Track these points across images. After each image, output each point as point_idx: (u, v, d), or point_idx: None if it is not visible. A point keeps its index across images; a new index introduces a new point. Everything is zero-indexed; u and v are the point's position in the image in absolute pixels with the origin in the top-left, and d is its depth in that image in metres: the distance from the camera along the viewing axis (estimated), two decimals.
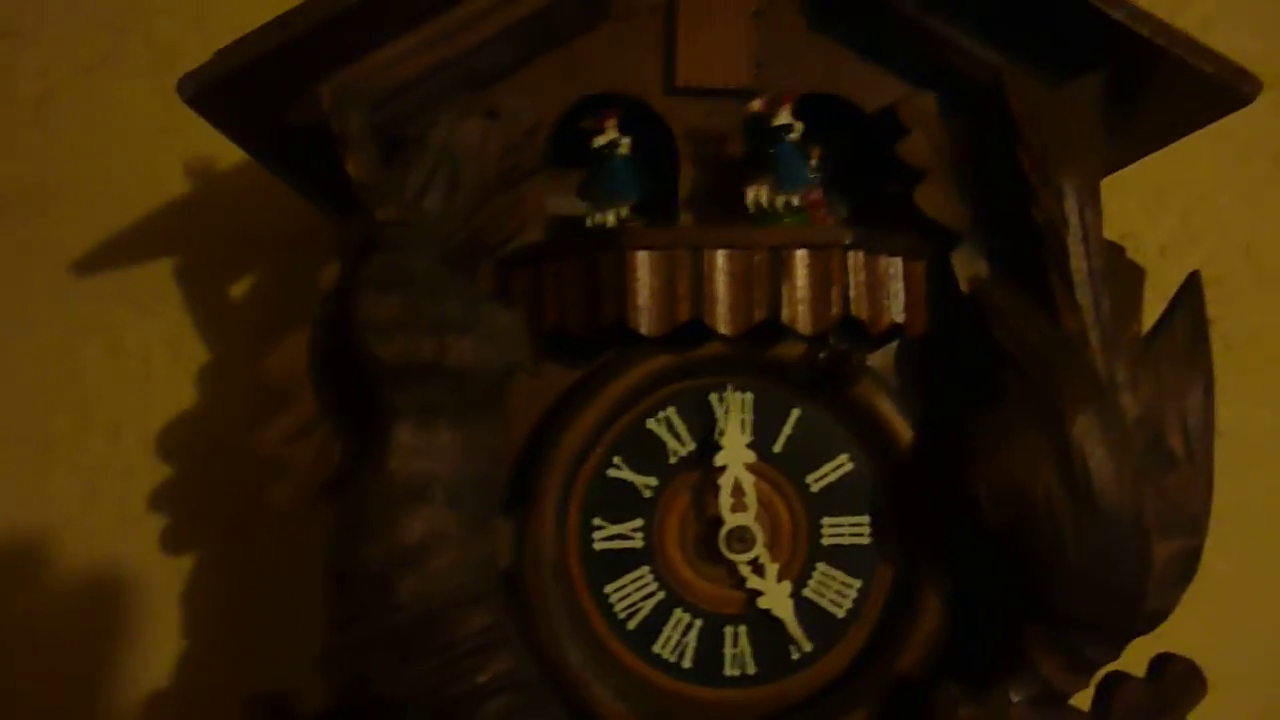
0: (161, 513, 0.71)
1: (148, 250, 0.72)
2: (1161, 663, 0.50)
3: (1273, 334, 0.73)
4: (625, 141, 0.51)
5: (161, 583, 0.70)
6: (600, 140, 0.51)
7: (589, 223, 0.51)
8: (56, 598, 0.70)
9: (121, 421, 0.71)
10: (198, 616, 0.70)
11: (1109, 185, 0.73)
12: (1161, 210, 0.74)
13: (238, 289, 0.73)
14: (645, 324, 0.47)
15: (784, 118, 0.49)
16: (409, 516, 0.45)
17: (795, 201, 0.49)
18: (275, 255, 0.72)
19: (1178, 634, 0.70)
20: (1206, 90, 0.48)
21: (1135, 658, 0.50)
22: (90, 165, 0.72)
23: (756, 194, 0.49)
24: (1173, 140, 0.55)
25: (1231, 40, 0.73)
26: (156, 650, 0.70)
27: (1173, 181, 0.74)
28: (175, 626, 0.70)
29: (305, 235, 0.70)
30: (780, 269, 0.47)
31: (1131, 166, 0.73)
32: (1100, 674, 0.49)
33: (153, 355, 0.72)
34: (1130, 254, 0.73)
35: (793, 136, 0.49)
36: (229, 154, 0.67)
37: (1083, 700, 0.49)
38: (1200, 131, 0.69)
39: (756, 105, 0.49)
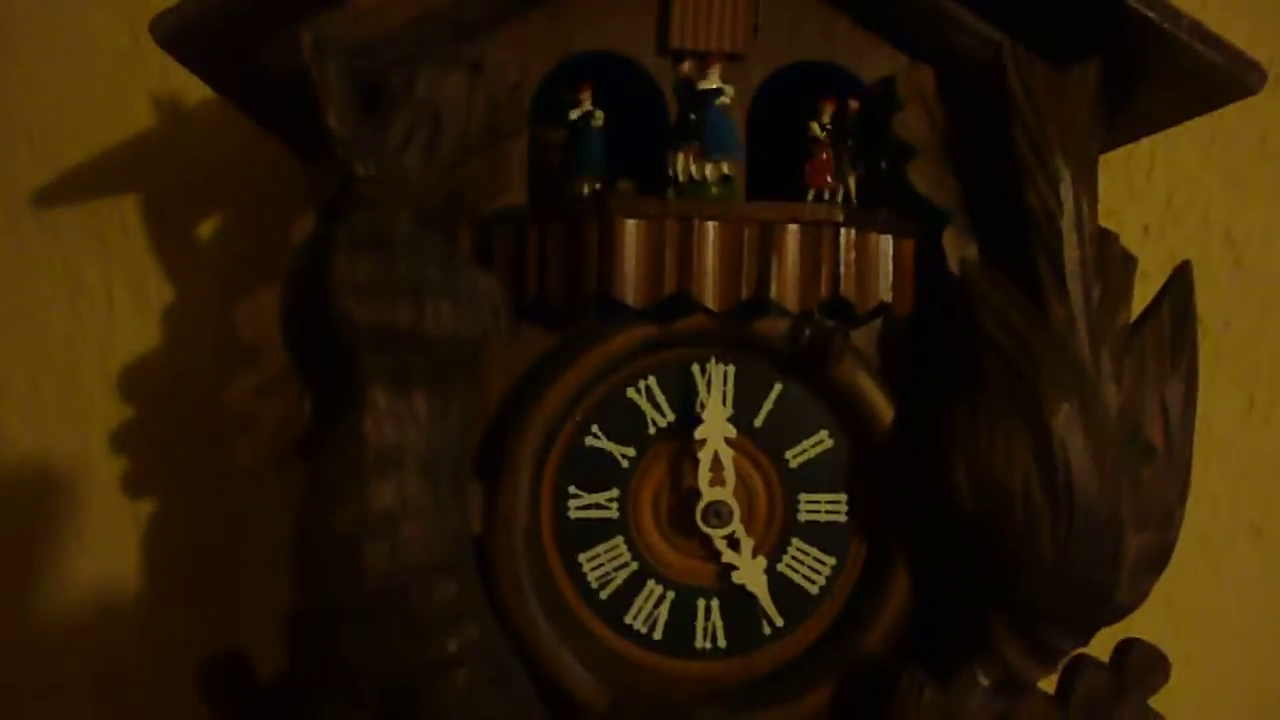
0: (120, 456, 0.69)
1: (112, 184, 0.69)
2: (1125, 648, 0.51)
3: (1247, 318, 0.73)
4: (599, 114, 0.50)
5: (120, 528, 0.69)
6: (575, 113, 0.49)
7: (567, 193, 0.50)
8: (8, 541, 0.68)
9: (80, 361, 0.69)
10: (155, 564, 0.69)
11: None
12: (1147, 190, 0.73)
13: (205, 227, 0.70)
14: (630, 294, 0.46)
15: (713, 81, 0.48)
16: (380, 483, 0.43)
17: (725, 169, 0.48)
18: (245, 192, 0.70)
19: (1141, 619, 0.71)
20: (1211, 79, 0.47)
21: (1100, 641, 0.51)
22: (52, 94, 0.69)
23: (685, 162, 0.48)
24: (1167, 126, 0.55)
25: (1222, 18, 0.73)
26: (112, 598, 0.69)
27: (1159, 161, 0.73)
28: (133, 573, 0.69)
29: (276, 172, 0.68)
30: (770, 244, 0.46)
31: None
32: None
33: (114, 293, 0.69)
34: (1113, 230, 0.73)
35: (722, 100, 0.48)
36: (198, 87, 0.65)
37: (1048, 683, 0.50)
38: None
39: (686, 68, 0.48)
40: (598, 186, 0.50)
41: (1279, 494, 0.73)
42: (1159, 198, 0.74)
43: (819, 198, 0.49)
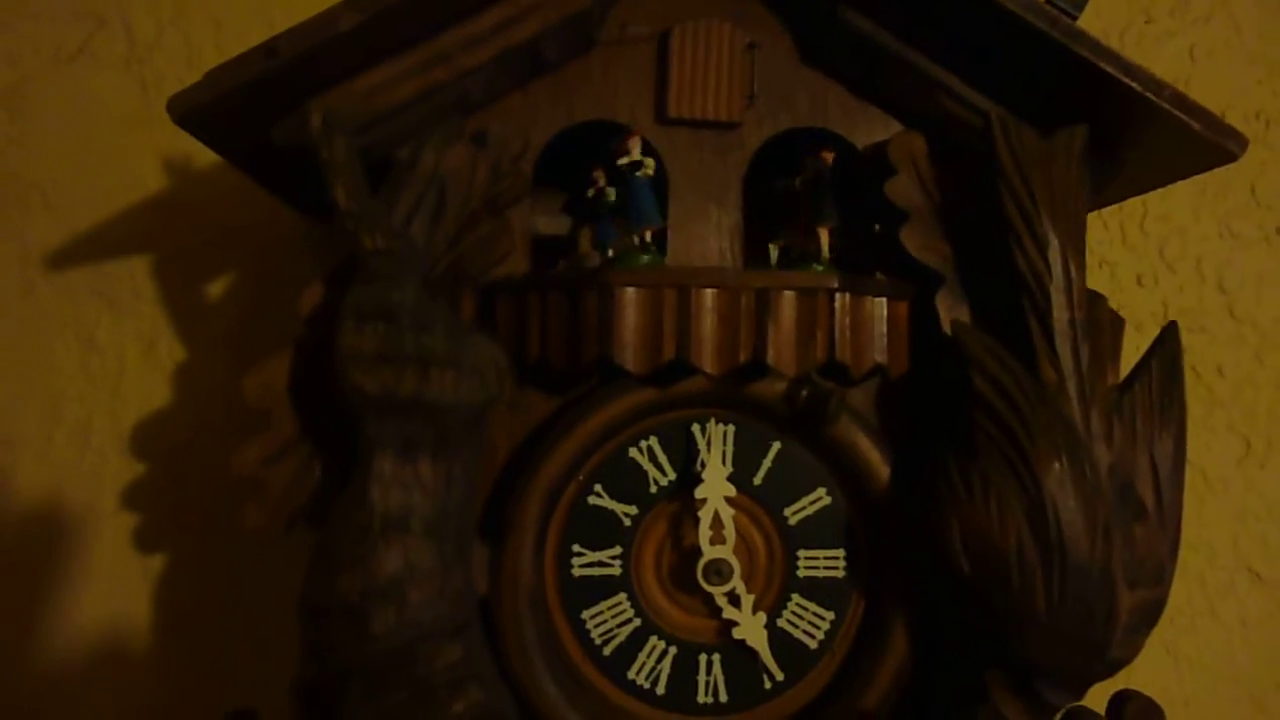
0: (130, 512, 0.70)
1: (123, 246, 0.71)
2: (1121, 700, 0.52)
3: (1240, 366, 0.74)
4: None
5: (129, 584, 0.69)
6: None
7: (588, 248, 0.51)
8: (20, 595, 0.69)
9: (92, 419, 0.70)
10: (165, 619, 0.70)
11: (1089, 214, 0.74)
12: (1140, 240, 0.74)
13: (214, 287, 0.72)
14: (631, 361, 0.47)
15: (634, 154, 0.50)
16: (386, 549, 0.45)
17: (648, 238, 0.50)
18: (253, 254, 0.71)
19: (1141, 663, 0.72)
20: (1194, 145, 0.48)
21: (1098, 688, 0.52)
22: (65, 157, 0.71)
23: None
24: (1154, 188, 0.56)
25: (1210, 70, 0.75)
26: (122, 652, 0.69)
27: (1151, 211, 0.74)
28: (143, 629, 0.69)
29: (284, 234, 0.69)
30: (766, 311, 0.47)
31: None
32: (1061, 712, 0.50)
33: (126, 353, 0.71)
34: (1106, 282, 0.74)
35: (644, 172, 0.50)
36: (207, 151, 0.67)
37: None
38: None
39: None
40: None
41: (1277, 537, 0.74)
42: (1151, 248, 0.75)
43: (784, 254, 0.51)
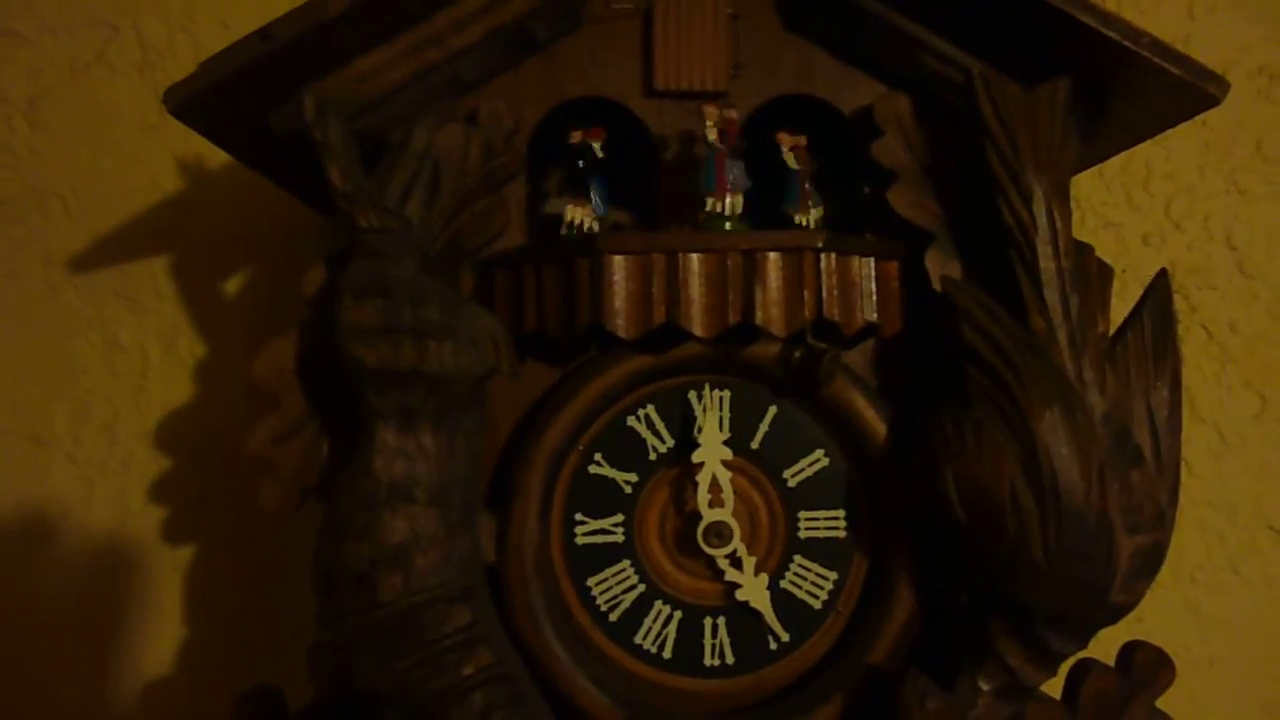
0: (159, 505, 0.72)
1: (142, 248, 0.73)
2: (1130, 650, 0.52)
3: (1253, 322, 0.73)
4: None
5: (160, 574, 0.71)
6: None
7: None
8: (57, 590, 0.71)
9: (118, 416, 0.72)
10: (197, 607, 0.72)
11: (1092, 175, 0.74)
12: (1145, 200, 0.74)
13: (232, 285, 0.74)
14: (622, 327, 0.48)
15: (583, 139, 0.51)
16: (392, 517, 0.46)
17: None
18: (268, 252, 0.73)
19: (1158, 621, 0.72)
20: (1175, 91, 0.48)
21: (1109, 646, 0.52)
22: (84, 164, 0.73)
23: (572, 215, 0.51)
24: (1143, 140, 0.56)
25: (1212, 26, 0.75)
26: (157, 640, 0.71)
27: (1155, 171, 0.74)
28: (175, 617, 0.71)
29: (298, 231, 0.71)
30: (753, 272, 0.48)
31: (1115, 157, 0.74)
32: (1071, 661, 0.50)
33: (148, 351, 0.73)
34: (1112, 244, 0.74)
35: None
36: (221, 152, 0.68)
37: (1056, 688, 0.51)
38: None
39: (576, 136, 0.51)
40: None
41: None
42: (1157, 208, 0.75)
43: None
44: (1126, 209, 0.74)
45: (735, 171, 0.49)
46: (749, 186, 0.50)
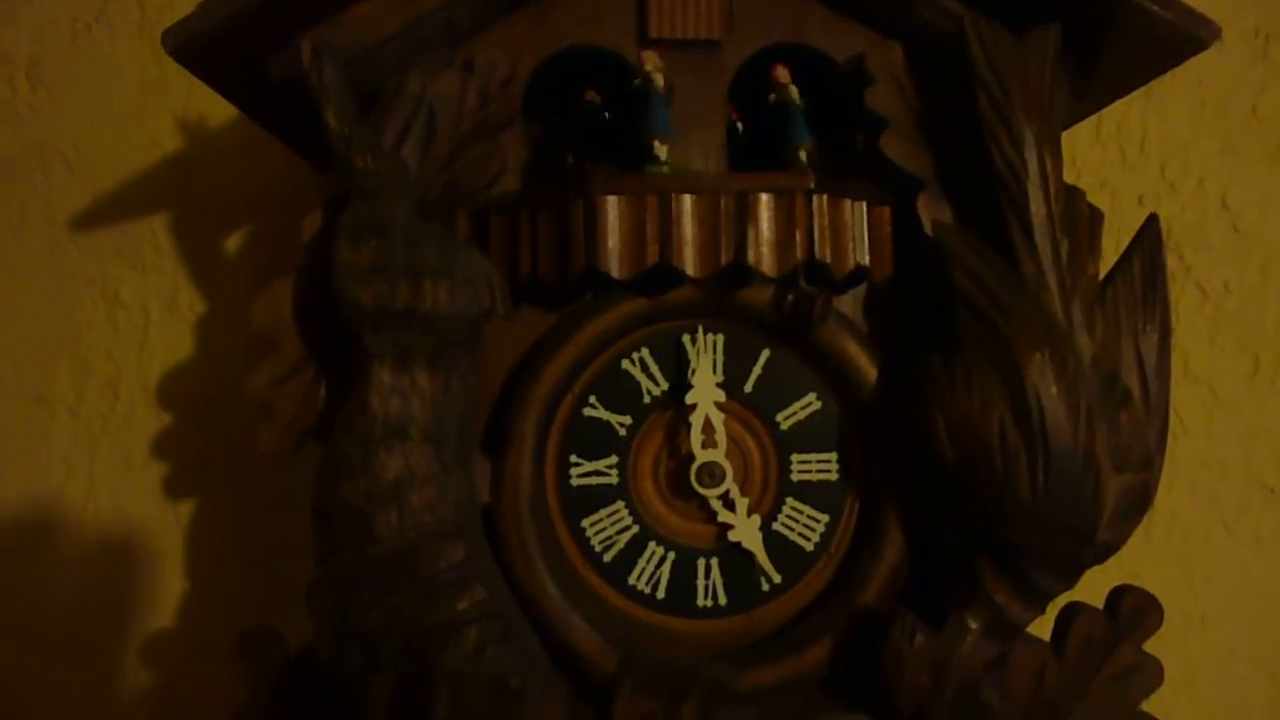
0: (162, 461, 0.73)
1: (143, 206, 0.74)
2: (1118, 594, 0.52)
3: (1246, 282, 0.74)
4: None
5: (163, 528, 0.72)
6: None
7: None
8: (63, 546, 0.72)
9: (120, 373, 0.73)
10: (201, 558, 0.73)
11: (1088, 135, 0.74)
12: (1140, 160, 0.75)
13: (232, 243, 0.74)
14: (615, 267, 0.48)
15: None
16: (387, 454, 0.47)
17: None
18: (268, 209, 0.74)
19: (1150, 577, 0.72)
20: (1165, 36, 0.49)
21: (1097, 592, 0.52)
22: (85, 124, 0.74)
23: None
24: (1135, 88, 0.56)
25: None
26: (161, 592, 0.72)
27: (1150, 131, 0.75)
28: (179, 569, 0.72)
29: (297, 189, 0.71)
30: (745, 213, 0.48)
31: (1110, 117, 0.74)
32: (1060, 605, 0.51)
33: (150, 308, 0.73)
34: (1107, 204, 0.75)
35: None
36: (221, 111, 0.69)
37: (1044, 632, 0.51)
38: (1178, 81, 0.70)
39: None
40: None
41: None
42: (1152, 168, 0.75)
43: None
44: (1121, 169, 0.75)
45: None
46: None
